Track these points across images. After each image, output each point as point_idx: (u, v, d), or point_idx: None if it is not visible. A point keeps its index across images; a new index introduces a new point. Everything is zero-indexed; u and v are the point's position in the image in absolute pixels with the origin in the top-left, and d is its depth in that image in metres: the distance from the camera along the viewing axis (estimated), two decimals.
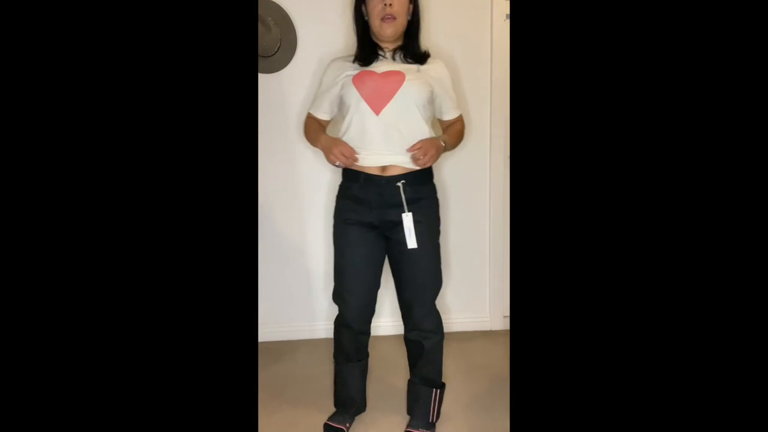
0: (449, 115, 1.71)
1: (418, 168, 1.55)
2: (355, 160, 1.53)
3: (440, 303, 2.52)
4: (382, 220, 1.56)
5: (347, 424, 1.72)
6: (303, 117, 2.29)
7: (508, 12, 2.30)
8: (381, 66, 1.58)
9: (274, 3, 2.21)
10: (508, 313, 2.55)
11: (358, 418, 1.79)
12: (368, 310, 1.68)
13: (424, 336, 1.67)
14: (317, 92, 1.68)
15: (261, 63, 2.23)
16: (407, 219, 1.53)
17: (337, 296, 1.66)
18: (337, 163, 1.54)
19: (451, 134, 1.67)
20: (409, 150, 1.52)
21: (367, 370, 1.78)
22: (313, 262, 2.46)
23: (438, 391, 1.71)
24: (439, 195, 2.41)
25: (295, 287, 2.47)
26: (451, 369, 2.15)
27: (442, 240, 2.46)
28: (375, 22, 1.55)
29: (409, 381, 1.76)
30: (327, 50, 2.27)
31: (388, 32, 1.55)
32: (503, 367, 2.16)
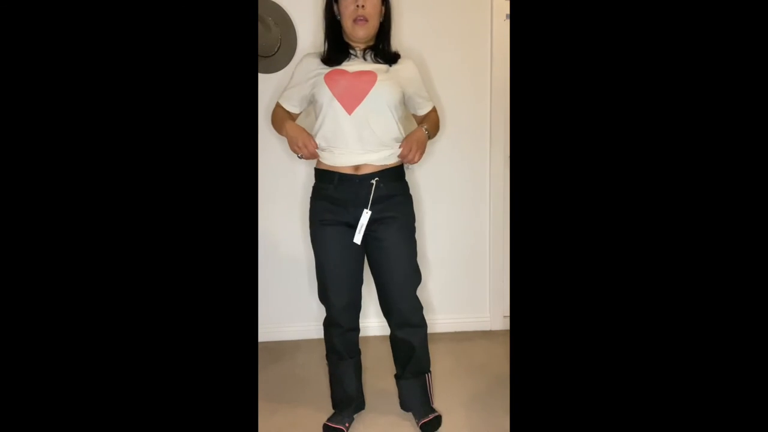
0: (424, 110, 1.74)
1: (390, 165, 1.57)
2: (316, 156, 1.57)
3: (440, 303, 2.55)
4: (359, 219, 1.57)
5: (346, 424, 1.72)
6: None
7: (508, 12, 2.31)
8: (352, 65, 1.59)
9: (274, 3, 2.21)
10: (508, 313, 2.55)
11: (357, 418, 1.79)
12: (355, 306, 1.70)
13: (413, 332, 1.69)
14: (288, 84, 1.69)
15: (261, 63, 2.23)
16: (365, 216, 1.55)
17: (323, 297, 1.68)
18: (299, 155, 1.56)
19: (429, 123, 1.70)
20: (400, 155, 1.56)
21: (361, 367, 1.78)
22: (313, 262, 2.45)
23: (428, 375, 1.76)
24: (439, 195, 2.44)
25: (294, 287, 2.47)
26: (452, 369, 2.15)
27: (442, 240, 2.49)
28: (347, 23, 1.56)
29: (398, 377, 1.77)
30: None
31: (360, 34, 1.56)
32: (503, 367, 2.16)
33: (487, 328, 2.58)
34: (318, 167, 1.62)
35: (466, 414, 1.81)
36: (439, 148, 2.37)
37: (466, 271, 2.53)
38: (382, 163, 1.56)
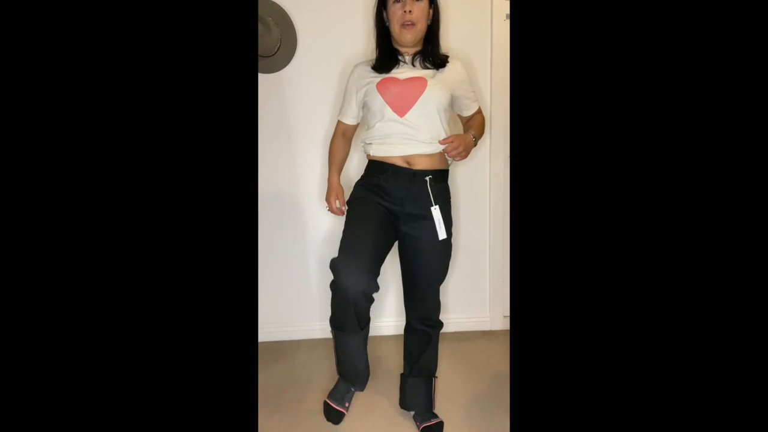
0: (470, 111, 1.78)
1: (439, 168, 1.61)
2: (338, 215, 1.75)
3: (440, 303, 2.54)
4: (403, 212, 1.59)
5: (346, 404, 1.75)
6: (303, 117, 2.31)
7: (508, 12, 2.30)
8: (402, 72, 1.63)
9: (274, 3, 2.21)
10: (508, 313, 2.55)
11: (357, 419, 1.79)
12: (372, 272, 1.51)
13: (430, 329, 1.75)
14: (344, 98, 1.75)
15: (261, 63, 2.23)
16: (436, 211, 1.58)
17: (340, 252, 1.52)
18: (327, 207, 1.78)
19: (477, 127, 1.73)
20: (442, 142, 1.58)
21: (367, 341, 1.65)
22: (313, 262, 2.46)
23: (435, 379, 1.79)
24: None
25: (295, 287, 2.47)
26: (451, 369, 2.15)
27: None
28: (395, 28, 1.60)
29: (407, 376, 1.77)
30: (327, 50, 2.27)
31: (408, 38, 1.60)
32: (503, 367, 2.16)
33: (487, 328, 2.58)
34: (371, 158, 1.66)
35: (466, 414, 1.81)
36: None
37: (466, 271, 2.53)
38: (432, 161, 1.60)
